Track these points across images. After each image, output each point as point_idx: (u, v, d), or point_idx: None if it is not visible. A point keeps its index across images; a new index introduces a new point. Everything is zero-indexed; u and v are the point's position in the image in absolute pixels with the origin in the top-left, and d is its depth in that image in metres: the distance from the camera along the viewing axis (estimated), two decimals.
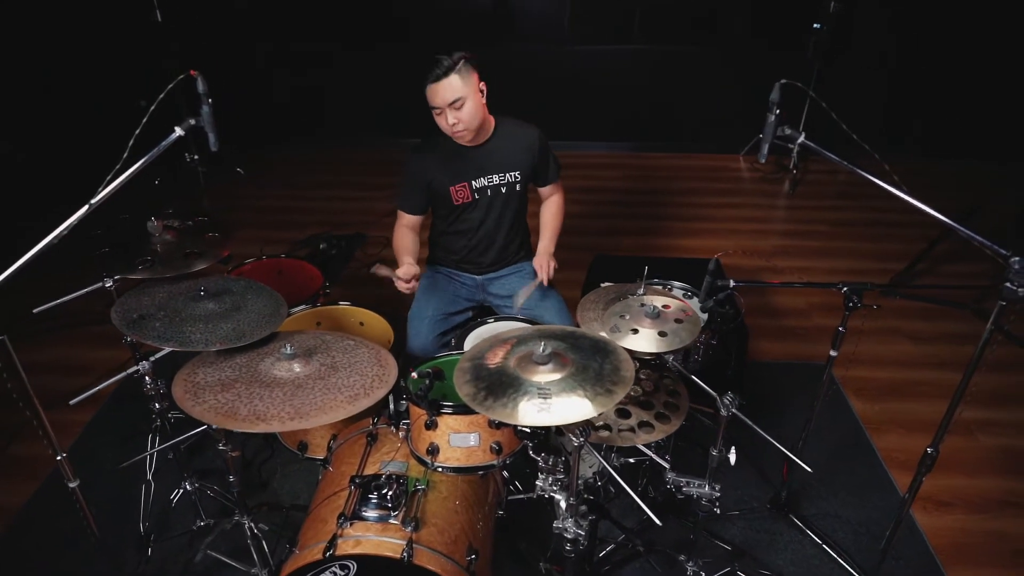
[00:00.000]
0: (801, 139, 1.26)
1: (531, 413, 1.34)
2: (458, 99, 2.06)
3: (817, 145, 1.28)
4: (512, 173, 2.27)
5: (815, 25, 4.22)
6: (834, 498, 2.38)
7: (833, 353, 1.94)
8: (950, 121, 4.81)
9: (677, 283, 2.32)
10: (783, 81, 1.24)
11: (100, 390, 1.87)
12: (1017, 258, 1.20)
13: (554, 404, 1.35)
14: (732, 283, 1.79)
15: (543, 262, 2.29)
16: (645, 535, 2.15)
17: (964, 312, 3.36)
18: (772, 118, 1.26)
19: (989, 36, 4.60)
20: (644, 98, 5.17)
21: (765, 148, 1.29)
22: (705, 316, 2.01)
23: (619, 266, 2.95)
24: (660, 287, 2.27)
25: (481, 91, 2.14)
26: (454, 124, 2.09)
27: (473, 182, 2.24)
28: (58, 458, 1.50)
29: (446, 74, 2.04)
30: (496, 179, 2.26)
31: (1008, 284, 1.21)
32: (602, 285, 2.37)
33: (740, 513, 2.29)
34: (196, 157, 4.41)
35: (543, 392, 1.37)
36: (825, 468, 2.46)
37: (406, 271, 2.17)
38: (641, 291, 1.87)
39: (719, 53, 4.92)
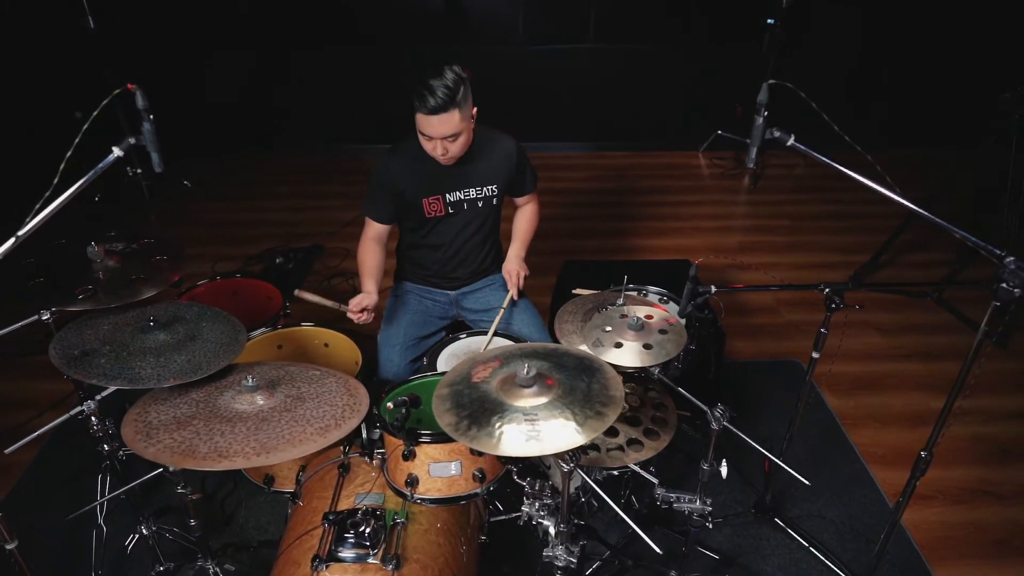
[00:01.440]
0: (791, 141, 1.20)
1: (519, 442, 1.25)
2: (453, 134, 1.91)
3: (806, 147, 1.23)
4: (489, 187, 2.14)
5: (769, 20, 4.24)
6: (817, 498, 2.36)
7: (815, 355, 1.91)
8: (905, 109, 4.91)
9: (652, 288, 2.27)
10: (771, 81, 1.18)
11: (41, 433, 1.70)
12: (1012, 258, 1.17)
13: (543, 431, 1.27)
14: (714, 289, 1.73)
15: (513, 269, 2.19)
16: (630, 548, 2.09)
17: (926, 302, 3.41)
18: (760, 120, 1.20)
19: (941, 24, 4.71)
20: (601, 97, 5.13)
21: (754, 152, 1.23)
22: (683, 321, 1.95)
23: (589, 271, 2.88)
24: (635, 293, 2.21)
25: (472, 117, 1.99)
26: (443, 154, 1.94)
27: (448, 195, 2.10)
28: None
29: (446, 108, 1.85)
30: (472, 193, 2.12)
31: (1004, 284, 1.18)
32: (574, 292, 2.31)
33: (724, 519, 2.24)
34: (139, 171, 4.19)
35: (530, 417, 1.28)
36: (805, 467, 2.43)
37: (359, 301, 2.04)
38: (621, 301, 1.80)
39: (674, 50, 4.91)
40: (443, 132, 1.90)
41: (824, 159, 1.23)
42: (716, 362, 2.42)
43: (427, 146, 1.98)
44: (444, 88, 1.85)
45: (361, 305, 2.05)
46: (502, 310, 2.13)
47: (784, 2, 4.14)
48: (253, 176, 4.90)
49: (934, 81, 4.87)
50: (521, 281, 2.19)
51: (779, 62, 4.33)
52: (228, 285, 2.51)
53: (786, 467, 1.56)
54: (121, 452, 1.89)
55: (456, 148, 1.97)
